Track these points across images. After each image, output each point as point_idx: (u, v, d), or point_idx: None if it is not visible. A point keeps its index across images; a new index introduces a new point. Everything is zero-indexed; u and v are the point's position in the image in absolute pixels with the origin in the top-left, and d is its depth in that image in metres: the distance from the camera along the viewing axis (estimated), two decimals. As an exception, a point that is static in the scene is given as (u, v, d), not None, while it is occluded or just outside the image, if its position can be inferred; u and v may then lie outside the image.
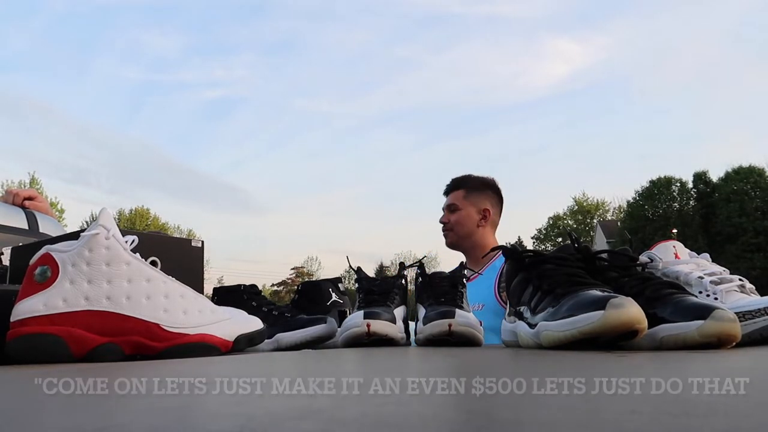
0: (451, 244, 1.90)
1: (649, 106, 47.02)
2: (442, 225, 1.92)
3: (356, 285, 1.00)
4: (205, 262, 0.94)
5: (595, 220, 34.34)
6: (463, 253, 1.90)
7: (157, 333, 0.64)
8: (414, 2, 47.41)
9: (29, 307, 0.62)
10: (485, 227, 1.86)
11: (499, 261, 1.71)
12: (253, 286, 1.03)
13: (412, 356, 0.68)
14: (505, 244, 1.80)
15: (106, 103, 48.79)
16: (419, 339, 0.87)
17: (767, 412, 0.26)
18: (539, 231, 35.63)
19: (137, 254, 0.67)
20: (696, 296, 0.74)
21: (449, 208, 1.89)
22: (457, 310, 0.84)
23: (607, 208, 35.65)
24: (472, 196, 1.89)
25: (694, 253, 0.90)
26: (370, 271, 1.05)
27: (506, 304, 0.89)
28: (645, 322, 0.63)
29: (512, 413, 0.26)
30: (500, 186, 1.95)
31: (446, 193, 1.94)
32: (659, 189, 27.09)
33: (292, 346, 0.90)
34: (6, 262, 0.89)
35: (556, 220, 35.56)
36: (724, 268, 0.85)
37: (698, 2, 43.56)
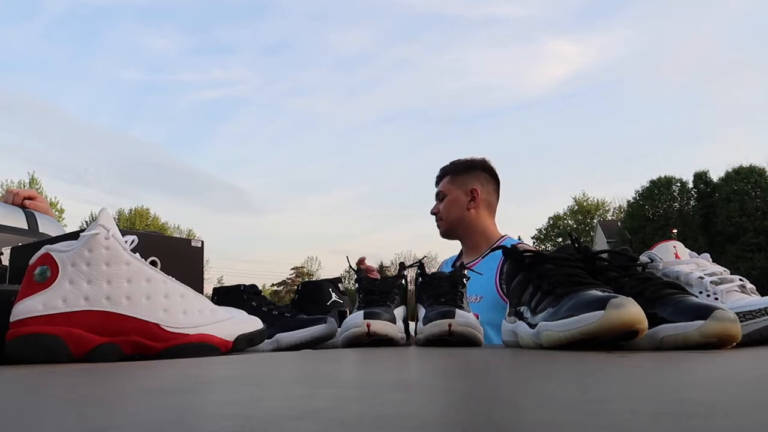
0: (444, 233, 1.82)
1: (649, 106, 47.05)
2: (434, 217, 1.84)
3: (356, 285, 1.00)
4: (205, 262, 0.94)
5: (595, 220, 34.35)
6: (459, 241, 1.83)
7: (157, 333, 0.64)
8: (413, 3, 47.44)
9: (29, 307, 0.62)
10: (477, 209, 1.77)
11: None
12: (253, 286, 1.03)
13: (412, 356, 0.68)
14: (508, 235, 1.73)
15: (106, 103, 48.93)
16: (419, 339, 0.87)
17: (767, 412, 0.26)
18: (539, 231, 35.64)
19: (137, 254, 0.67)
20: (696, 296, 0.74)
21: (437, 197, 1.83)
22: (457, 310, 0.84)
23: (607, 208, 35.69)
24: (458, 179, 1.80)
25: (695, 253, 0.89)
26: (370, 271, 1.05)
27: (507, 298, 0.88)
28: (645, 322, 0.63)
29: (512, 413, 0.26)
30: (493, 165, 1.85)
31: (436, 184, 1.87)
32: (659, 189, 27.10)
33: (292, 346, 0.90)
34: (6, 262, 0.89)
35: (556, 220, 35.57)
36: (724, 268, 0.85)
37: (698, 2, 43.57)
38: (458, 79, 49.91)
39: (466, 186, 1.78)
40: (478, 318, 0.88)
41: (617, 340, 0.64)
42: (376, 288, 0.97)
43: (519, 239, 1.84)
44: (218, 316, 0.71)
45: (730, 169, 25.86)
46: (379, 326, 0.84)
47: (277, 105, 50.77)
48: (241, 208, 49.46)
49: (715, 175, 26.84)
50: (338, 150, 51.88)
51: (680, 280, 0.82)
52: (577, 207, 35.72)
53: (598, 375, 0.44)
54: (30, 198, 1.44)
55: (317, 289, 1.12)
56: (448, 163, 1.86)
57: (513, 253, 0.84)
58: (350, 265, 1.09)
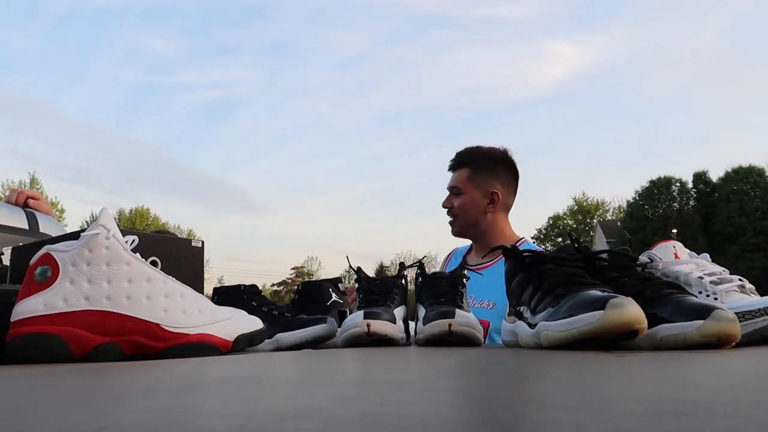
0: (457, 234, 1.66)
1: (649, 106, 47.08)
2: (446, 210, 1.65)
3: (356, 285, 1.00)
4: (205, 262, 0.94)
5: (595, 220, 34.36)
6: (471, 240, 1.70)
7: (157, 333, 0.64)
8: (412, 4, 47.45)
9: (29, 306, 0.62)
10: (494, 212, 1.61)
11: None
12: (253, 286, 1.03)
13: (412, 356, 0.68)
14: (525, 239, 1.71)
15: (106, 103, 48.99)
16: (419, 339, 0.87)
17: (767, 412, 0.26)
18: (539, 231, 35.63)
19: (137, 254, 0.67)
20: (696, 296, 0.74)
21: (452, 191, 1.64)
22: (457, 310, 0.84)
23: (607, 208, 35.71)
24: (478, 177, 1.61)
25: (694, 253, 0.89)
26: (370, 271, 1.05)
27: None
28: (645, 322, 0.63)
29: (512, 413, 0.26)
30: (514, 157, 1.67)
31: (450, 169, 1.66)
32: (659, 189, 27.11)
33: (292, 346, 0.90)
34: (6, 261, 0.89)
35: (556, 220, 35.57)
36: (723, 268, 0.85)
37: (698, 3, 43.59)
38: (458, 79, 49.98)
39: (485, 187, 1.61)
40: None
41: (617, 339, 0.64)
42: (376, 288, 0.97)
43: (543, 247, 1.80)
44: (218, 316, 0.71)
45: (729, 170, 25.90)
46: (379, 326, 0.84)
47: (277, 105, 50.84)
48: (241, 208, 49.55)
49: (715, 175, 26.89)
50: (338, 150, 52.00)
51: (680, 280, 0.82)
52: (576, 207, 35.74)
53: (598, 375, 0.44)
54: (33, 198, 1.45)
55: (317, 289, 1.12)
56: (465, 150, 1.66)
57: (513, 253, 0.84)
58: (350, 265, 1.09)
